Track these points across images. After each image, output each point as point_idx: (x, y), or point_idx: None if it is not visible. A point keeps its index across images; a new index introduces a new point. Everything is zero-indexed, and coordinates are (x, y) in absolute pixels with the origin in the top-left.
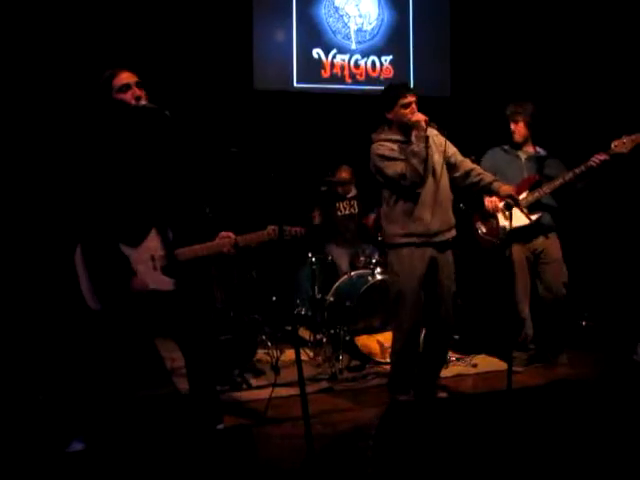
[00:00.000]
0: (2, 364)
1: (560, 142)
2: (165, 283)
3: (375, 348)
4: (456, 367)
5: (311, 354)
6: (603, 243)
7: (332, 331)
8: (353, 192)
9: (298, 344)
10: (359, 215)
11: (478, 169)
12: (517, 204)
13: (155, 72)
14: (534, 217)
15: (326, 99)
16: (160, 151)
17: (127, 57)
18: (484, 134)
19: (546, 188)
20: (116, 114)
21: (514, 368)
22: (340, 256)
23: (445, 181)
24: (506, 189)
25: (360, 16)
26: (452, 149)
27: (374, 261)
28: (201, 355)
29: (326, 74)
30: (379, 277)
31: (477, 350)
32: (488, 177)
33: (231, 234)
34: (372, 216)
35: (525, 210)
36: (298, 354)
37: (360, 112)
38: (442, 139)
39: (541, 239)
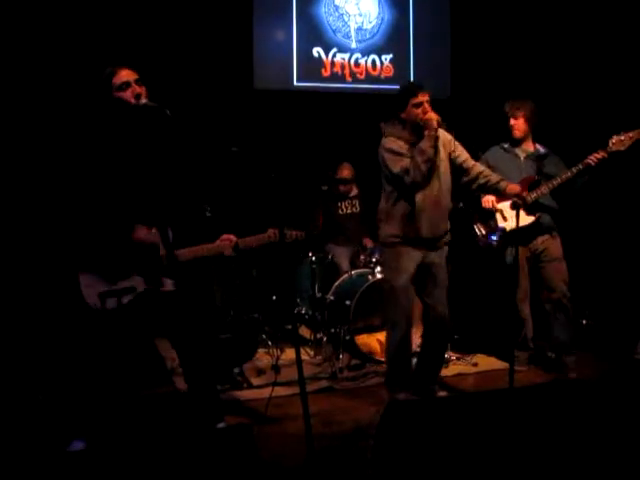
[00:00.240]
0: (2, 364)
1: (560, 140)
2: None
3: (375, 347)
4: (456, 366)
5: (311, 353)
6: (603, 242)
7: (332, 330)
8: (355, 191)
9: (298, 343)
10: (361, 214)
11: (486, 171)
12: (524, 203)
13: (155, 71)
14: (532, 218)
15: (326, 98)
16: (160, 150)
17: (128, 56)
18: (484, 134)
19: (544, 188)
20: (116, 112)
21: (515, 367)
22: (340, 255)
23: (448, 187)
24: (512, 188)
25: (360, 15)
26: (464, 155)
27: (374, 260)
28: (196, 355)
29: (326, 73)
30: (379, 276)
31: (477, 349)
32: (495, 177)
33: (232, 237)
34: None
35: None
36: (298, 353)
37: (360, 111)
38: (451, 139)
39: (541, 239)
